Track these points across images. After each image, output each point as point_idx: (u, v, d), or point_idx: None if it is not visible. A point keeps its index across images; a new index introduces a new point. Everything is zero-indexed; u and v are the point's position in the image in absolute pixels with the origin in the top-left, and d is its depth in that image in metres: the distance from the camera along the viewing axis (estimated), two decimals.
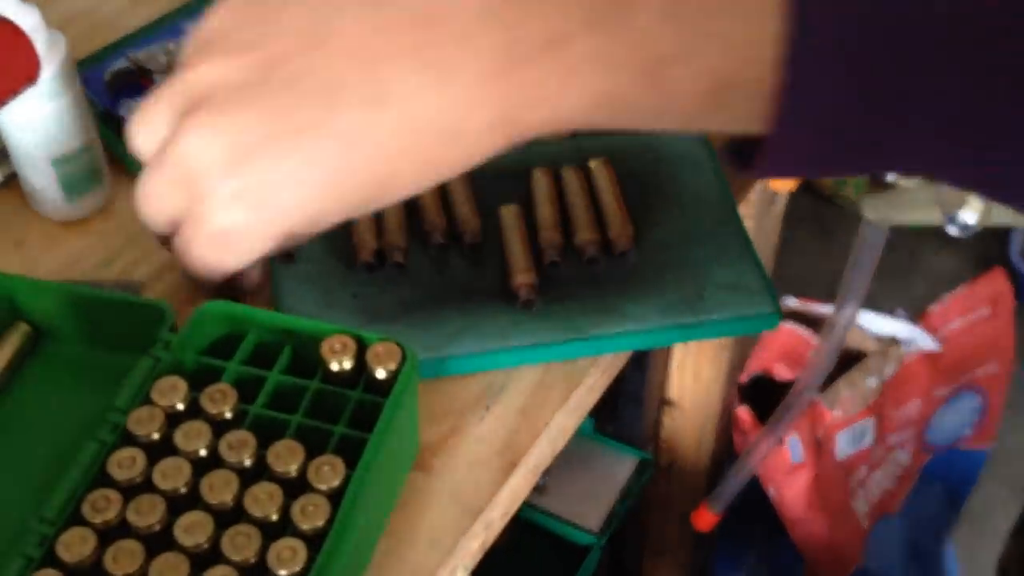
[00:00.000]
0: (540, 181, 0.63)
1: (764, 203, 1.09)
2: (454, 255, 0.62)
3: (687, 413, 1.23)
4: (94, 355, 0.56)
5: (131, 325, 0.54)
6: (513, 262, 0.60)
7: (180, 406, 0.49)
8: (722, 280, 0.61)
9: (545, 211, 0.62)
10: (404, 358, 0.51)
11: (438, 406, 0.57)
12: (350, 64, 0.36)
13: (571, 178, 0.64)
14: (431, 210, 0.62)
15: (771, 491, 1.22)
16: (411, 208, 0.63)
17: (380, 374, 0.51)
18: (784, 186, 1.12)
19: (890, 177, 0.89)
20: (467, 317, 0.59)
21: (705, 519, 1.15)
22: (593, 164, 0.64)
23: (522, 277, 0.59)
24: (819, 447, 1.19)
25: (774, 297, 0.60)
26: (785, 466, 1.19)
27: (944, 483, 1.31)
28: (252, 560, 0.45)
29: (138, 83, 0.69)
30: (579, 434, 1.20)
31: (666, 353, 1.17)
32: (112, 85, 0.68)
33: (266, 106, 0.37)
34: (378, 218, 0.61)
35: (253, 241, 0.40)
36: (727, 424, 1.25)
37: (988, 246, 1.79)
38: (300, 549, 0.45)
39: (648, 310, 0.59)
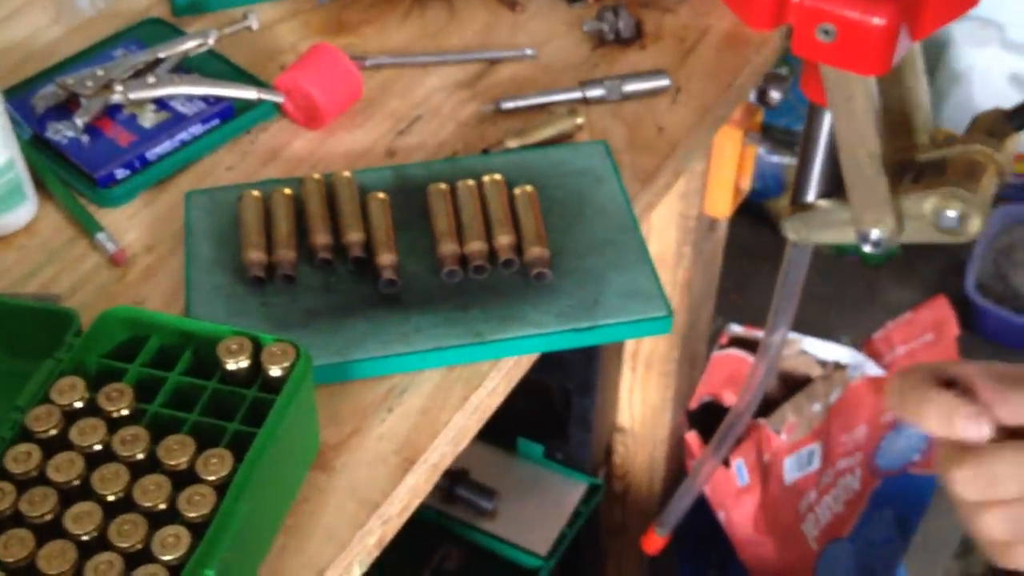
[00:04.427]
0: (436, 195, 0.66)
1: (703, 229, 1.11)
2: (363, 265, 0.64)
3: (638, 439, 1.25)
4: (6, 362, 0.57)
5: (41, 332, 0.56)
6: (378, 243, 0.63)
7: (78, 405, 0.51)
8: (618, 287, 0.63)
9: (441, 223, 0.64)
10: (297, 357, 0.53)
11: (342, 408, 0.59)
12: None
13: (465, 191, 0.66)
14: (319, 229, 0.64)
15: (720, 515, 1.23)
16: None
17: (275, 372, 0.53)
18: (721, 212, 1.15)
19: (809, 197, 0.92)
20: (371, 323, 0.61)
21: (653, 542, 1.16)
22: (487, 179, 0.67)
23: (384, 258, 0.62)
24: (766, 471, 1.21)
25: (666, 302, 0.62)
26: (732, 490, 1.20)
27: (895, 507, 1.32)
28: (138, 547, 0.46)
29: (66, 107, 0.72)
30: (529, 460, 1.21)
31: (615, 379, 1.19)
32: (40, 109, 0.71)
33: None
34: (268, 233, 0.64)
35: None
36: (678, 450, 1.27)
37: (945, 280, 1.81)
38: (184, 536, 0.46)
39: (547, 316, 0.62)
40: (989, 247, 1.79)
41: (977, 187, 0.79)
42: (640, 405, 1.21)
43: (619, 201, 0.68)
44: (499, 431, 1.22)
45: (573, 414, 1.18)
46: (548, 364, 1.17)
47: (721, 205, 1.13)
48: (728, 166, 1.06)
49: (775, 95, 1.07)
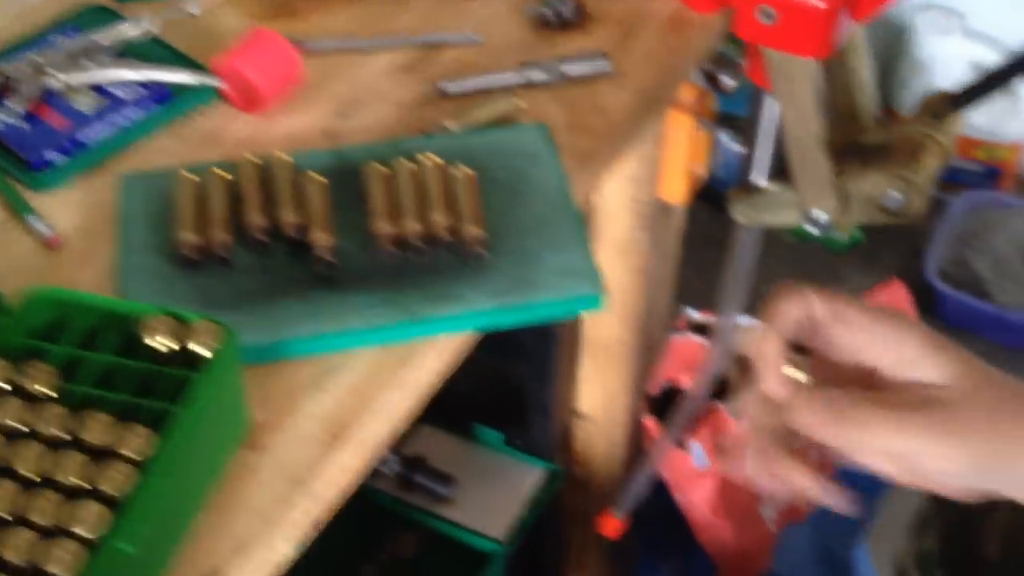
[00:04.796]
0: (374, 176, 0.66)
1: (658, 216, 1.12)
2: (299, 246, 0.64)
3: (599, 425, 1.25)
4: None
5: None
6: (314, 224, 0.63)
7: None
8: (553, 265, 0.63)
9: (377, 203, 0.64)
10: (223, 335, 0.53)
11: (274, 388, 0.59)
12: None
13: (403, 172, 0.66)
14: (255, 210, 0.64)
15: (679, 498, 1.24)
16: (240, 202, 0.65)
17: (201, 351, 0.53)
18: (676, 198, 1.16)
19: (757, 180, 0.93)
20: (306, 304, 0.61)
21: (611, 525, 1.17)
22: (425, 161, 0.67)
23: (320, 239, 0.62)
24: (723, 455, 1.22)
25: (599, 280, 0.63)
26: (690, 473, 1.21)
27: (855, 489, 1.33)
28: (57, 524, 0.46)
29: (2, 93, 0.71)
30: (488, 447, 1.22)
31: (571, 364, 1.20)
32: None
33: None
34: (203, 215, 0.64)
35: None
36: (638, 435, 1.27)
37: (907, 265, 1.83)
38: (104, 513, 0.46)
39: (482, 294, 0.62)
40: (950, 233, 1.81)
41: (920, 168, 0.80)
42: (599, 391, 1.22)
43: (557, 183, 0.69)
44: (458, 418, 1.23)
45: (531, 401, 1.19)
46: (505, 351, 1.18)
47: (675, 191, 1.14)
48: (681, 151, 1.07)
49: (729, 82, 1.07)
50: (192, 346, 0.53)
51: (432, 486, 1.14)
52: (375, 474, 1.15)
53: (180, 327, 0.53)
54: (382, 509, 1.14)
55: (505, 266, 0.63)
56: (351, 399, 0.59)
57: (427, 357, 0.61)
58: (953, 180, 1.92)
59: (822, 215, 0.84)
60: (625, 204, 1.06)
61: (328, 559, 1.13)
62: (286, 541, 0.55)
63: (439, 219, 0.64)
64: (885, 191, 0.81)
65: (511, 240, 0.65)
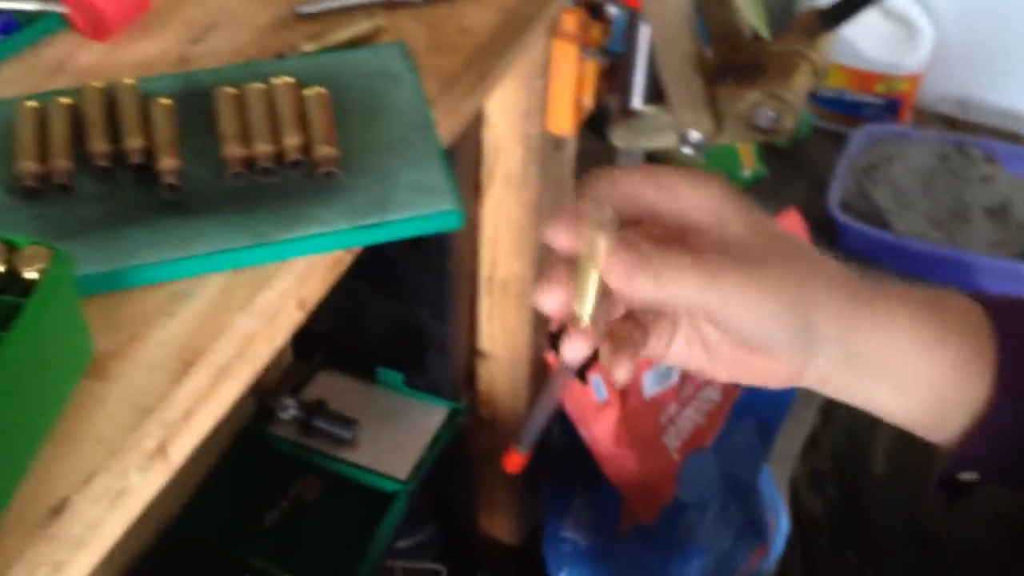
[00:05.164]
0: (223, 98, 0.64)
1: (550, 149, 1.11)
2: (145, 172, 0.62)
3: (501, 364, 1.25)
4: None
5: None
6: (160, 149, 0.61)
7: None
8: (409, 183, 0.62)
9: (227, 126, 0.63)
10: (53, 258, 0.51)
11: (120, 316, 0.57)
12: None
13: (254, 94, 0.65)
14: (97, 136, 0.62)
15: (583, 432, 1.24)
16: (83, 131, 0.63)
17: (32, 276, 0.51)
18: (564, 129, 1.15)
19: (635, 104, 0.92)
20: (151, 230, 0.59)
21: (513, 460, 1.17)
22: (276, 81, 0.65)
23: (166, 163, 0.60)
24: (624, 386, 1.22)
25: (456, 196, 0.62)
26: (592, 406, 1.22)
27: (756, 417, 1.35)
28: None
29: None
30: (390, 389, 1.21)
31: (471, 302, 1.19)
32: None
33: None
34: (43, 142, 0.61)
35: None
36: (542, 372, 1.28)
37: (810, 199, 1.85)
38: None
39: (336, 215, 0.61)
40: (851, 166, 1.83)
41: (792, 86, 0.80)
42: (500, 330, 1.21)
43: (415, 102, 0.68)
44: (359, 361, 1.22)
45: (430, 341, 1.18)
46: (402, 292, 1.17)
47: (563, 122, 1.13)
48: (566, 82, 1.06)
49: (615, 11, 1.06)
50: (25, 273, 0.51)
51: (333, 430, 1.13)
52: (274, 420, 1.14)
53: (10, 253, 0.51)
54: (282, 455, 1.13)
55: (361, 185, 0.62)
56: (203, 325, 0.57)
57: (283, 280, 0.60)
58: (853, 113, 1.95)
59: (697, 135, 0.84)
60: (515, 138, 1.05)
61: (230, 508, 1.12)
62: (138, 471, 0.53)
63: (291, 140, 0.62)
64: (758, 109, 0.81)
65: (367, 159, 0.64)
